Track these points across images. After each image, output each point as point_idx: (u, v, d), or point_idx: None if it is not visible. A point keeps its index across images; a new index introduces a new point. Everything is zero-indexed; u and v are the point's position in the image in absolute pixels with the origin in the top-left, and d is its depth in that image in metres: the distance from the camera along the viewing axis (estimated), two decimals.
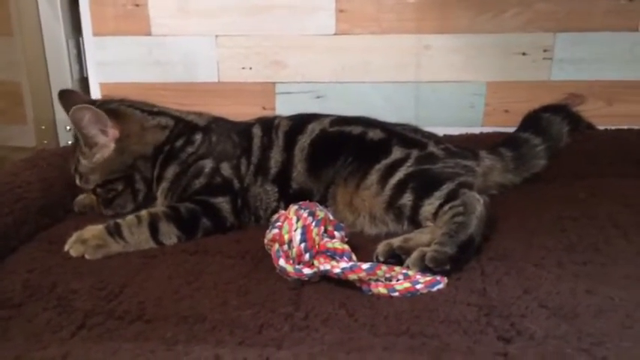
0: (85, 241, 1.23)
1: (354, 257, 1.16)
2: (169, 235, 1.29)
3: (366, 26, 1.85)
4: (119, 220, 1.27)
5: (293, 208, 1.20)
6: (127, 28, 1.90)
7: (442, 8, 1.82)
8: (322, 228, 1.18)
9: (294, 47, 1.89)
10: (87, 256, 1.22)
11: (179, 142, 1.44)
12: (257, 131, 1.50)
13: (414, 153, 1.36)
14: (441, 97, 1.88)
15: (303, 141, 1.43)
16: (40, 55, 1.92)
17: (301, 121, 1.48)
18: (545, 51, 1.82)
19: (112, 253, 1.24)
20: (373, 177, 1.34)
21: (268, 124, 1.51)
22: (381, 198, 1.31)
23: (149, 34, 1.90)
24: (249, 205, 1.43)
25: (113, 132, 1.39)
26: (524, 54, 1.83)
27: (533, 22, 1.80)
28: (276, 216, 1.24)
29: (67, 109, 1.43)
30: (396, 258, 1.18)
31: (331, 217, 1.23)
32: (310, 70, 1.90)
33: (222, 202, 1.36)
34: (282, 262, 1.14)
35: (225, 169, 1.42)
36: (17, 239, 1.30)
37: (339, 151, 1.39)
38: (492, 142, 1.61)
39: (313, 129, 1.44)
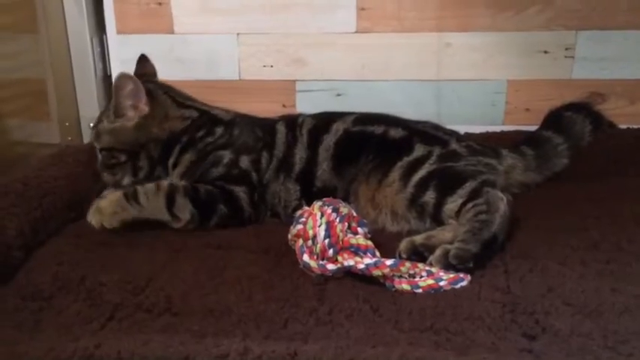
0: (101, 210, 1.27)
1: (377, 253, 1.16)
2: (184, 209, 1.29)
3: (387, 24, 1.84)
4: (138, 186, 1.31)
5: (317, 204, 1.21)
6: (150, 26, 1.91)
7: (463, 6, 1.81)
8: (346, 224, 1.18)
9: (315, 45, 1.89)
10: (105, 225, 1.27)
11: (200, 133, 1.47)
12: (281, 127, 1.51)
13: (436, 150, 1.36)
14: (462, 95, 1.87)
15: (328, 140, 1.43)
16: (64, 53, 1.94)
17: (325, 120, 1.48)
18: (567, 49, 1.81)
19: (128, 219, 1.28)
20: (395, 174, 1.34)
21: (292, 121, 1.51)
22: (403, 195, 1.31)
23: (172, 32, 1.91)
24: (265, 201, 1.42)
25: (142, 109, 1.43)
26: (545, 52, 1.82)
27: (555, 20, 1.79)
28: (299, 212, 1.24)
29: (134, 73, 1.51)
30: (418, 255, 1.18)
31: (354, 214, 1.23)
32: (331, 67, 1.90)
33: (240, 192, 1.36)
34: (306, 257, 1.14)
35: (244, 161, 1.42)
36: (45, 233, 1.31)
37: (362, 150, 1.40)
38: (513, 141, 1.60)
39: (337, 128, 1.44)
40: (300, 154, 1.45)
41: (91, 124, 1.87)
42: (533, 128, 1.76)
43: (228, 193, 1.35)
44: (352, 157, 1.40)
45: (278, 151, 1.46)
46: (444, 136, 1.46)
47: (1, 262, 1.17)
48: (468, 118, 1.81)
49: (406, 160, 1.35)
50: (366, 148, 1.40)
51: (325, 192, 1.38)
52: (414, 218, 1.32)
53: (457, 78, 1.87)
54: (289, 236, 1.23)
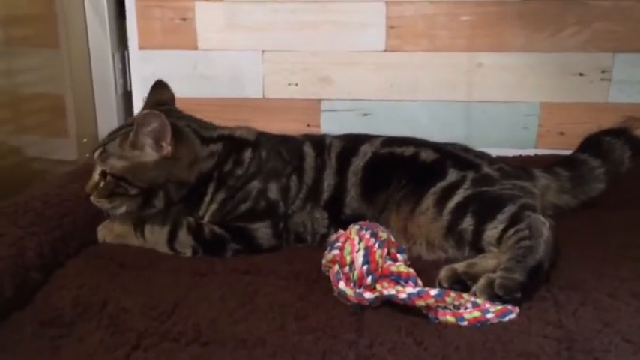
0: (110, 229, 1.32)
1: (419, 282, 1.11)
2: (185, 245, 1.29)
3: (417, 43, 1.81)
4: (148, 222, 1.32)
5: (354, 227, 1.16)
6: (173, 42, 1.88)
7: (497, 26, 1.77)
8: (385, 250, 1.13)
9: (342, 64, 1.84)
10: (106, 240, 1.34)
11: (228, 166, 1.38)
12: (309, 150, 1.44)
13: (470, 175, 1.31)
14: (492, 117, 1.83)
15: (357, 164, 1.38)
16: (85, 68, 1.91)
17: (353, 143, 1.43)
18: (603, 72, 1.76)
19: (129, 244, 1.32)
20: (429, 201, 1.29)
21: (320, 143, 1.45)
22: (439, 223, 1.26)
23: (195, 48, 1.88)
24: (289, 230, 1.38)
25: (166, 149, 1.28)
26: (581, 74, 1.77)
27: (592, 42, 1.75)
28: (334, 236, 1.19)
29: (149, 99, 1.43)
30: (460, 284, 1.12)
31: (392, 239, 1.18)
32: (357, 87, 1.86)
33: (261, 228, 1.32)
34: (342, 284, 1.09)
35: (273, 191, 1.36)
36: (65, 254, 1.27)
37: (392, 175, 1.35)
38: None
39: (366, 151, 1.40)
40: (328, 180, 1.39)
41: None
42: (567, 153, 1.70)
43: (244, 233, 1.31)
44: (382, 182, 1.35)
45: (307, 177, 1.40)
46: (476, 159, 1.40)
47: (20, 284, 1.11)
48: (498, 141, 1.76)
49: (439, 185, 1.30)
50: (396, 173, 1.35)
51: (355, 220, 1.30)
52: (451, 247, 1.27)
53: (488, 99, 1.82)
54: (323, 261, 1.18)
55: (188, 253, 1.29)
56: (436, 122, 1.84)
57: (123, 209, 1.29)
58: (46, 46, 1.87)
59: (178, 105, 1.84)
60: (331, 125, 1.84)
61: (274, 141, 1.47)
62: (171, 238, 1.29)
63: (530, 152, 1.77)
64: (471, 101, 1.83)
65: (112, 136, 1.32)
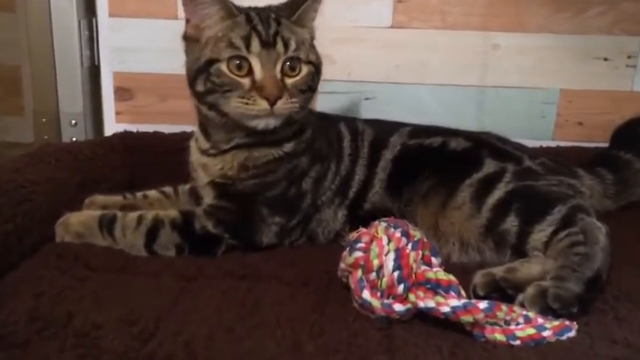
0: (67, 225, 1.14)
1: (462, 292, 0.94)
2: (167, 245, 1.13)
3: (427, 19, 1.69)
4: (119, 214, 1.15)
5: (381, 225, 0.99)
6: (150, 9, 1.70)
7: (515, 3, 1.66)
8: (420, 252, 0.96)
9: (343, 40, 1.69)
10: (65, 240, 1.14)
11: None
12: (345, 132, 1.33)
13: (510, 167, 1.21)
14: (507, 104, 1.72)
15: (387, 157, 1.29)
16: (45, 36, 1.74)
17: (383, 132, 1.33)
18: (629, 57, 1.67)
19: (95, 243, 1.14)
20: (464, 194, 1.17)
21: (353, 127, 1.35)
22: (477, 221, 1.15)
23: (175, 17, 1.69)
24: (305, 229, 1.25)
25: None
26: (605, 59, 1.68)
27: (618, 24, 1.65)
28: (355, 234, 1.01)
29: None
30: (498, 292, 1.00)
31: (425, 239, 1.00)
32: (360, 67, 1.72)
33: (274, 224, 1.19)
34: (366, 294, 0.93)
35: (308, 180, 1.24)
36: (19, 253, 1.08)
37: (419, 165, 1.26)
38: (571, 159, 1.43)
39: (395, 143, 1.30)
40: (359, 174, 1.29)
41: (73, 121, 1.73)
42: (586, 145, 1.65)
43: (253, 227, 1.18)
44: (408, 174, 1.26)
45: (343, 166, 1.29)
46: (515, 150, 1.29)
47: None
48: (512, 131, 1.59)
49: (476, 177, 1.19)
50: (423, 164, 1.26)
51: (374, 215, 1.21)
52: (489, 249, 1.15)
53: (503, 84, 1.72)
54: (342, 265, 1.00)
55: (171, 253, 1.14)
56: (445, 109, 1.73)
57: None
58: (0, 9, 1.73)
59: (153, 83, 1.74)
60: (328, 109, 1.63)
61: (315, 115, 1.33)
62: (151, 239, 1.13)
63: (547, 144, 1.67)
64: (484, 86, 1.72)
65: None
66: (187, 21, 1.17)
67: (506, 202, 1.13)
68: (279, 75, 1.11)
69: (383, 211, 1.22)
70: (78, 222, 1.15)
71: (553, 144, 1.68)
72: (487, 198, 1.14)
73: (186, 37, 1.18)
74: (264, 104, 1.09)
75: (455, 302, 0.88)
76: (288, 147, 1.21)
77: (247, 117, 1.12)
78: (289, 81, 1.13)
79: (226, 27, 1.12)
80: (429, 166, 1.24)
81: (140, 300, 0.95)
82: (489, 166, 1.20)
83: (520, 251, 1.10)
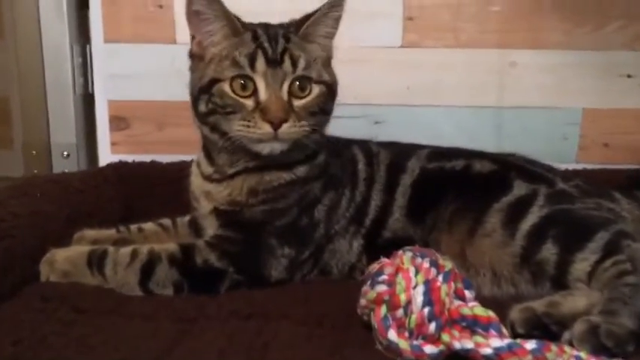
0: (52, 263, 1.06)
1: (504, 330, 0.83)
2: (164, 284, 1.04)
3: (439, 38, 1.65)
4: (111, 249, 1.07)
5: (406, 255, 0.89)
6: (146, 34, 1.67)
7: (532, 19, 1.62)
8: (452, 285, 0.86)
9: (350, 61, 1.56)
10: (51, 279, 1.06)
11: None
12: (359, 156, 1.26)
13: (542, 189, 1.12)
14: (527, 125, 1.67)
15: (405, 182, 1.21)
16: (36, 63, 1.70)
17: (400, 155, 1.26)
18: None
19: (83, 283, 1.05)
20: (494, 220, 1.09)
21: (367, 150, 1.28)
22: (510, 249, 1.06)
23: (173, 41, 1.66)
24: (318, 261, 1.17)
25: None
26: (629, 76, 1.64)
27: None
28: (376, 265, 0.91)
29: None
30: (539, 330, 0.90)
31: (456, 270, 0.90)
32: (368, 89, 1.66)
33: (283, 257, 1.11)
34: (392, 334, 0.83)
35: (321, 208, 1.16)
36: None
37: (442, 191, 1.18)
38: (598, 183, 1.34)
39: (413, 167, 1.23)
40: (376, 199, 1.20)
41: (65, 153, 1.66)
42: (613, 167, 1.58)
43: (260, 260, 1.09)
44: (430, 199, 1.18)
45: (358, 192, 1.21)
46: (545, 172, 1.21)
47: None
48: (533, 154, 1.53)
49: (505, 200, 1.11)
50: (446, 188, 1.18)
51: (393, 244, 1.12)
52: (525, 281, 1.06)
53: (522, 105, 1.67)
54: (362, 302, 0.90)
55: (169, 292, 1.05)
56: (461, 132, 1.67)
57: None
58: None
59: (150, 111, 1.69)
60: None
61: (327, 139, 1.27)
62: (146, 276, 1.04)
63: (571, 167, 1.58)
64: (502, 107, 1.68)
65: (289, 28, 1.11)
66: (192, 37, 1.11)
67: (541, 228, 1.04)
68: (285, 96, 1.04)
69: (404, 240, 1.14)
70: (64, 259, 1.06)
71: (577, 167, 1.61)
72: (520, 224, 1.05)
73: (191, 55, 1.13)
74: (266, 127, 1.02)
75: (497, 342, 0.78)
76: (300, 171, 1.13)
77: (250, 140, 1.05)
78: (297, 102, 1.06)
79: (231, 45, 1.07)
80: (453, 190, 1.16)
81: (134, 346, 0.86)
82: (519, 188, 1.12)
83: (560, 283, 1.01)
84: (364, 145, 1.29)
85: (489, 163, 1.20)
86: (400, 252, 0.89)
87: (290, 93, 1.05)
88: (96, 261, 1.04)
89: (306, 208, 1.13)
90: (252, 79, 1.03)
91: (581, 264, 0.99)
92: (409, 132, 1.59)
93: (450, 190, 1.17)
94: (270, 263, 1.09)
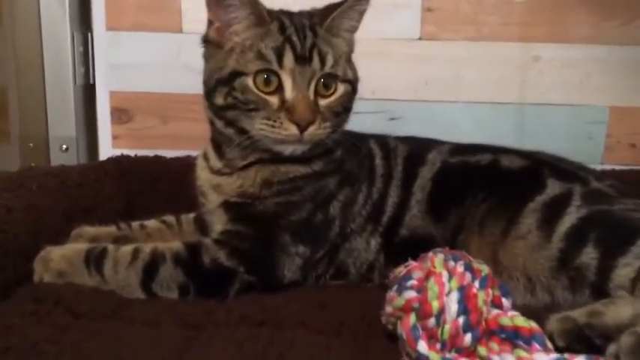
0: (47, 261, 0.99)
1: (548, 343, 0.76)
2: (168, 285, 0.98)
3: (459, 30, 1.60)
4: (110, 247, 1.00)
5: (438, 257, 0.82)
6: (151, 22, 1.62)
7: (557, 11, 1.57)
8: (490, 292, 0.79)
9: (365, 54, 1.51)
10: (44, 279, 0.98)
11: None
12: (376, 149, 1.20)
13: (577, 188, 1.06)
14: (550, 123, 1.63)
15: (424, 175, 1.16)
16: (34, 52, 1.65)
17: (419, 148, 1.21)
18: None
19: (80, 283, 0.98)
20: (529, 221, 1.03)
21: (384, 144, 1.22)
22: (546, 253, 0.99)
23: (179, 30, 1.62)
24: (333, 261, 1.11)
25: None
26: None
27: None
28: (403, 268, 0.84)
29: None
30: (580, 342, 0.83)
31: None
32: (384, 84, 1.61)
33: (297, 256, 1.05)
34: (422, 346, 0.75)
35: (336, 204, 1.10)
36: None
37: (468, 186, 1.13)
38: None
39: (434, 160, 1.18)
40: (393, 196, 1.15)
41: (64, 146, 1.63)
42: None
43: (273, 259, 1.03)
44: (455, 195, 1.12)
45: (376, 188, 1.15)
46: (577, 170, 1.15)
47: None
48: (557, 154, 1.48)
49: (539, 200, 1.04)
50: (472, 184, 1.12)
51: (412, 244, 1.11)
52: (562, 288, 0.99)
53: (545, 101, 1.63)
54: (388, 309, 0.82)
55: (173, 295, 0.98)
56: (480, 129, 1.62)
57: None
58: None
59: (154, 103, 1.65)
60: None
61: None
62: (149, 277, 0.97)
63: (596, 168, 1.48)
64: (523, 104, 1.63)
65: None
66: (210, 22, 1.05)
67: (580, 230, 0.97)
68: (312, 95, 0.99)
69: (423, 239, 1.10)
70: (60, 257, 0.98)
71: (602, 168, 1.54)
72: (557, 225, 0.99)
73: (206, 41, 1.06)
74: (293, 129, 0.97)
75: (542, 357, 0.70)
76: (317, 165, 1.07)
77: (273, 141, 1.00)
78: (323, 102, 1.01)
79: (256, 35, 1.00)
80: (480, 186, 1.10)
81: (135, 354, 0.80)
82: (553, 187, 1.05)
83: (600, 290, 0.94)
84: (381, 139, 1.24)
85: (518, 159, 1.14)
86: (430, 254, 0.82)
87: (316, 92, 0.99)
88: (94, 260, 0.97)
89: (321, 203, 1.07)
90: (277, 75, 0.98)
91: (624, 269, 0.92)
92: (426, 129, 1.53)
93: (476, 187, 1.11)
94: (283, 262, 1.03)
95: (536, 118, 1.63)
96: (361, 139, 1.21)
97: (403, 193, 1.15)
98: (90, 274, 0.97)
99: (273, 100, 0.97)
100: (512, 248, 1.02)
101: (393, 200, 1.14)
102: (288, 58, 0.97)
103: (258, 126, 0.98)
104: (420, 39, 1.61)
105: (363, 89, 1.54)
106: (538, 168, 1.11)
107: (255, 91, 0.98)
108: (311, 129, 0.97)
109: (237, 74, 0.98)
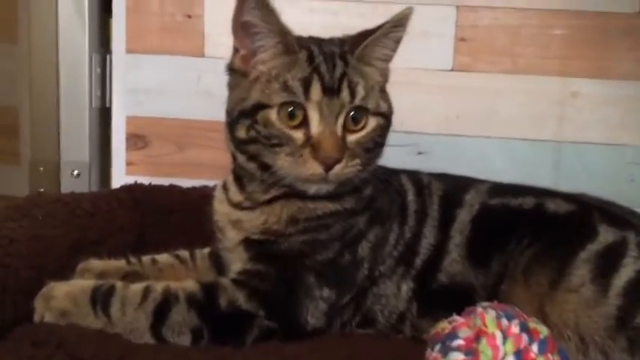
0: (49, 299, 0.92)
1: None
2: (180, 329, 0.90)
3: (494, 62, 1.55)
4: (119, 285, 0.92)
5: (489, 314, 0.73)
6: (172, 46, 1.59)
7: (598, 44, 1.52)
8: (550, 357, 0.69)
9: (394, 85, 1.46)
10: (45, 319, 0.91)
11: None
12: (409, 185, 1.12)
13: (631, 237, 0.97)
14: (588, 163, 1.57)
15: (463, 218, 1.08)
16: (50, 72, 1.60)
17: (455, 187, 1.14)
18: None
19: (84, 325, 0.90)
20: (581, 272, 0.94)
21: (417, 180, 1.14)
22: (603, 309, 0.91)
23: (201, 54, 1.58)
24: (360, 303, 1.03)
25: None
26: None
27: None
28: (447, 325, 0.75)
29: None
30: None
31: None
32: (413, 116, 1.55)
33: (322, 300, 0.97)
34: None
35: (365, 245, 1.03)
36: None
37: (511, 231, 1.05)
38: None
39: (472, 202, 1.11)
40: (429, 237, 1.07)
41: (75, 172, 1.59)
42: None
43: (296, 304, 0.96)
44: (497, 240, 1.05)
45: (408, 227, 1.07)
46: (629, 216, 1.07)
47: None
48: (594, 194, 1.41)
49: (592, 249, 0.95)
50: (515, 229, 1.04)
51: (450, 292, 1.04)
52: (620, 350, 0.90)
53: (584, 140, 1.57)
54: None
55: (186, 341, 0.90)
56: (515, 167, 1.56)
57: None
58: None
59: (173, 130, 1.60)
60: None
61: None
62: (159, 320, 0.89)
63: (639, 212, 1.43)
64: (561, 141, 1.58)
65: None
66: (235, 50, 0.99)
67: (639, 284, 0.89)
68: (340, 131, 0.92)
69: (462, 287, 1.02)
70: (64, 295, 0.90)
71: None
72: (613, 279, 0.90)
73: (231, 69, 1.00)
74: (317, 168, 0.90)
75: None
76: (348, 202, 1.00)
77: (296, 179, 0.93)
78: (352, 137, 0.94)
79: (283, 65, 0.94)
80: (524, 231, 1.02)
81: None
82: (606, 234, 0.96)
83: None
84: (414, 175, 1.16)
85: (565, 203, 1.05)
86: (479, 309, 0.73)
87: (344, 127, 0.92)
88: (101, 298, 0.90)
89: (349, 243, 1.00)
90: (303, 108, 0.91)
91: None
92: (456, 165, 1.45)
93: (520, 232, 1.03)
94: (306, 306, 0.95)
95: (574, 157, 1.58)
96: (393, 173, 1.14)
97: (440, 235, 1.07)
98: (96, 314, 0.89)
99: (298, 135, 0.91)
100: (562, 302, 0.93)
101: (428, 241, 1.07)
102: (316, 90, 0.91)
103: (280, 162, 0.92)
104: (452, 70, 1.57)
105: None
106: (587, 213, 1.03)
107: (279, 125, 0.91)
108: (337, 168, 0.90)
109: (260, 106, 0.92)
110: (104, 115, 1.68)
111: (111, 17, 1.61)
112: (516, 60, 1.55)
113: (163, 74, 1.60)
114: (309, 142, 0.90)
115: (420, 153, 1.58)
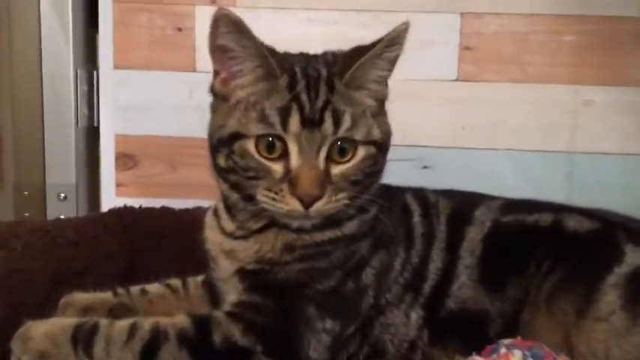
0: (27, 339, 0.86)
1: None
2: None
3: (501, 70, 1.52)
4: (103, 323, 0.87)
5: (515, 355, 0.69)
6: (162, 60, 1.55)
7: (610, 50, 1.48)
8: None
9: (396, 96, 1.42)
10: None
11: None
12: (414, 205, 1.07)
13: None
14: (603, 174, 1.53)
15: (473, 236, 1.03)
16: (33, 89, 1.58)
17: (463, 204, 1.10)
18: None
19: None
20: (610, 298, 0.89)
21: (423, 198, 1.09)
22: (635, 338, 0.86)
23: (193, 69, 1.55)
24: (367, 334, 0.98)
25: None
26: None
27: None
28: None
29: None
30: None
31: None
32: (417, 128, 1.53)
33: (324, 333, 0.92)
34: None
35: (369, 271, 0.98)
36: None
37: (528, 252, 1.00)
38: None
39: (483, 219, 1.06)
40: (436, 260, 1.02)
41: (62, 195, 1.54)
42: None
43: (296, 338, 0.91)
44: (513, 262, 1.00)
45: (415, 252, 1.02)
46: None
47: None
48: (609, 208, 1.36)
49: (620, 272, 0.90)
50: (533, 249, 0.99)
51: (461, 318, 0.99)
52: None
53: (598, 150, 1.54)
54: None
55: None
56: (525, 180, 1.52)
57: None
58: None
59: (164, 149, 1.57)
60: None
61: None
62: (147, 359, 0.84)
63: None
64: (574, 152, 1.54)
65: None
66: (215, 73, 0.94)
67: None
68: (322, 164, 0.85)
69: (476, 314, 0.97)
70: (43, 335, 0.85)
71: None
72: None
73: (213, 92, 0.95)
74: (295, 204, 0.84)
75: None
76: (349, 227, 0.94)
77: (276, 214, 0.88)
78: (336, 170, 0.87)
79: (261, 91, 0.88)
80: (544, 252, 0.97)
81: None
82: (633, 255, 0.91)
83: None
84: (419, 193, 1.11)
85: (586, 220, 1.00)
86: (503, 349, 0.68)
87: (328, 158, 0.86)
88: (83, 338, 0.84)
89: (351, 270, 0.94)
90: (282, 140, 0.85)
91: None
92: (463, 179, 1.40)
93: (538, 253, 0.98)
94: (307, 340, 0.90)
95: (587, 168, 1.54)
96: (396, 192, 1.10)
97: (448, 257, 1.02)
98: (77, 356, 0.83)
99: (277, 167, 0.85)
100: (590, 332, 0.88)
101: (436, 265, 1.01)
102: (294, 121, 0.84)
103: (259, 196, 0.87)
104: (457, 80, 1.54)
105: (395, 134, 1.44)
106: (611, 231, 0.97)
107: (257, 156, 0.85)
108: (318, 205, 0.84)
109: (237, 136, 0.86)
110: (91, 134, 1.64)
111: (97, 31, 1.57)
112: (524, 68, 1.52)
113: (153, 90, 1.56)
114: (288, 176, 0.84)
115: (425, 167, 1.54)
